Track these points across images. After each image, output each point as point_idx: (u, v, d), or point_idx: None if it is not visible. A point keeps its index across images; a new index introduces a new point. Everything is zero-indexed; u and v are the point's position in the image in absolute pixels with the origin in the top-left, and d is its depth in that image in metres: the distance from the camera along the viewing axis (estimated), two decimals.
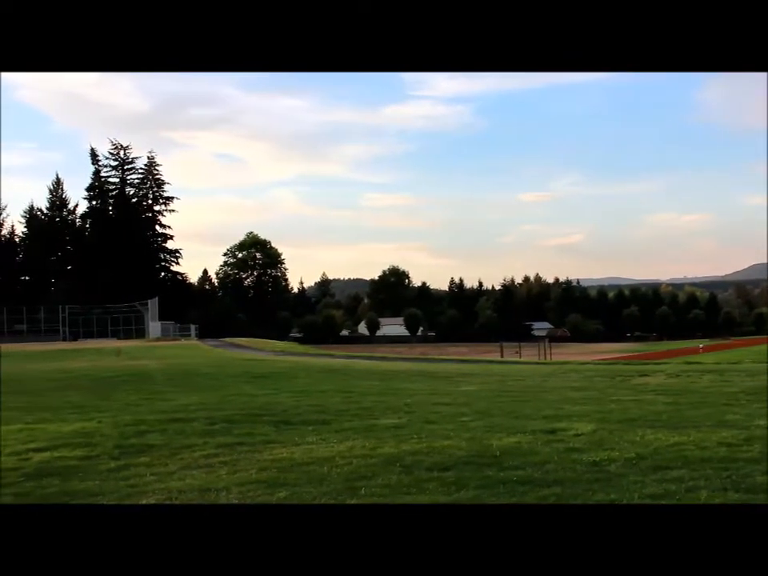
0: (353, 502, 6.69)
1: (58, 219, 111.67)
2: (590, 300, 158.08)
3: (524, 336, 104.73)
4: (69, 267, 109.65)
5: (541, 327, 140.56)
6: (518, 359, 45.64)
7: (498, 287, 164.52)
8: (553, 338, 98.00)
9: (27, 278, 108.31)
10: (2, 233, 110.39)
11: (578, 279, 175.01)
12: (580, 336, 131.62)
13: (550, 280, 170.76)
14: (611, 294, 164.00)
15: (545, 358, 54.27)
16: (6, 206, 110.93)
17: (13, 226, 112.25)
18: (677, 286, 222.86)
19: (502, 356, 56.99)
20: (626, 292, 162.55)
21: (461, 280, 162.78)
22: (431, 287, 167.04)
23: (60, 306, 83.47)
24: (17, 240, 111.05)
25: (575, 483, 7.17)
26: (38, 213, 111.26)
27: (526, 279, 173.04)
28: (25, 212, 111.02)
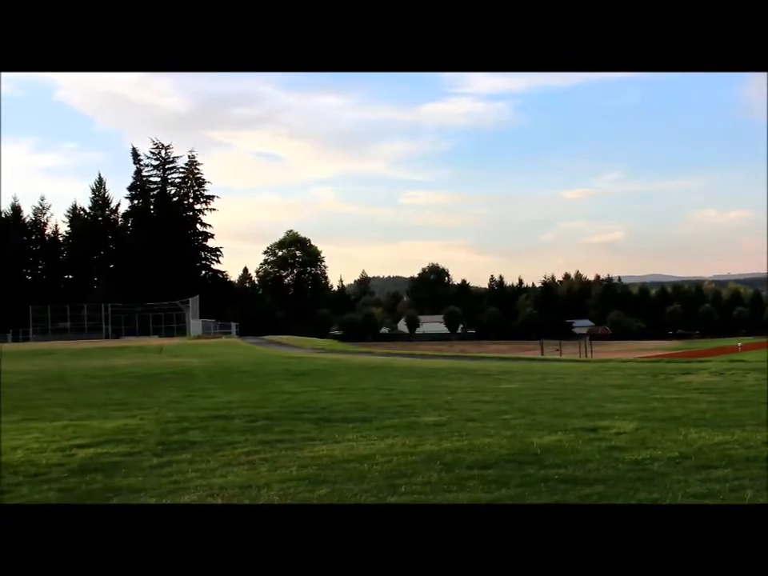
0: (393, 499, 6.68)
1: (100, 218, 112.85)
2: (631, 297, 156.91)
3: (565, 334, 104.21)
4: (111, 266, 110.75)
5: (582, 325, 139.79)
6: (558, 357, 45.35)
7: (538, 285, 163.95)
8: (594, 336, 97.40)
9: (70, 276, 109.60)
10: (46, 232, 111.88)
11: (619, 276, 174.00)
12: (622, 334, 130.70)
13: (591, 277, 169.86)
14: (653, 292, 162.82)
15: (586, 356, 53.88)
16: (50, 206, 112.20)
17: (56, 225, 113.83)
18: (720, 283, 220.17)
19: (542, 354, 56.67)
20: (669, 289, 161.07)
21: (501, 277, 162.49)
22: (471, 285, 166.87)
23: (102, 304, 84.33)
24: (60, 239, 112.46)
25: (617, 482, 7.11)
26: (81, 212, 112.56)
27: (567, 276, 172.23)
28: (68, 212, 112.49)
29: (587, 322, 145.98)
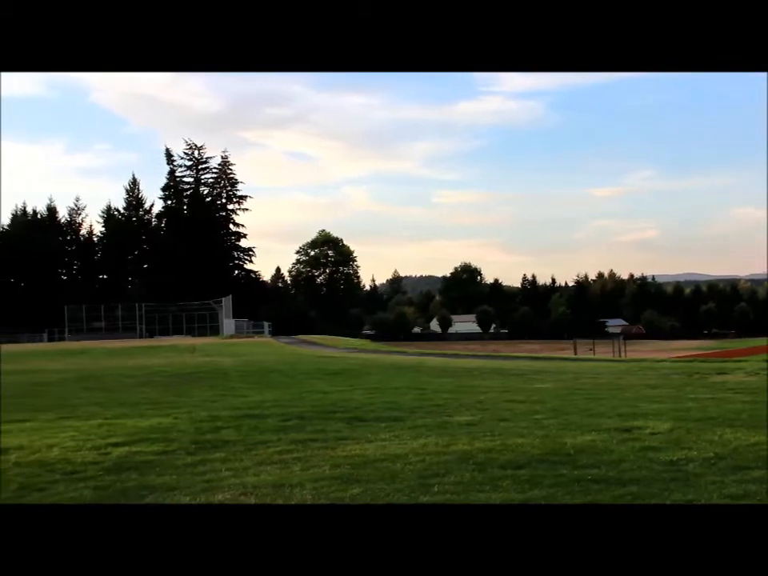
0: (425, 499, 6.67)
1: (134, 219, 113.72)
2: (665, 296, 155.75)
3: (598, 333, 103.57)
4: (145, 266, 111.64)
5: (615, 324, 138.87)
6: (591, 356, 45.11)
7: (571, 284, 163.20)
8: (627, 335, 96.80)
9: (105, 276, 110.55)
10: (81, 233, 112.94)
11: (653, 275, 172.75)
12: (655, 333, 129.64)
13: (625, 276, 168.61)
14: (688, 290, 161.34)
15: (619, 356, 53.55)
16: (84, 207, 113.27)
17: (91, 226, 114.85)
18: (756, 282, 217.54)
19: (575, 353, 56.42)
20: (704, 288, 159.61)
21: (533, 276, 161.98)
22: (503, 284, 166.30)
23: (136, 304, 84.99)
24: (95, 239, 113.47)
25: (651, 482, 7.06)
26: (115, 213, 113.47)
27: (600, 275, 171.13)
28: (102, 212, 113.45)
29: (621, 322, 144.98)
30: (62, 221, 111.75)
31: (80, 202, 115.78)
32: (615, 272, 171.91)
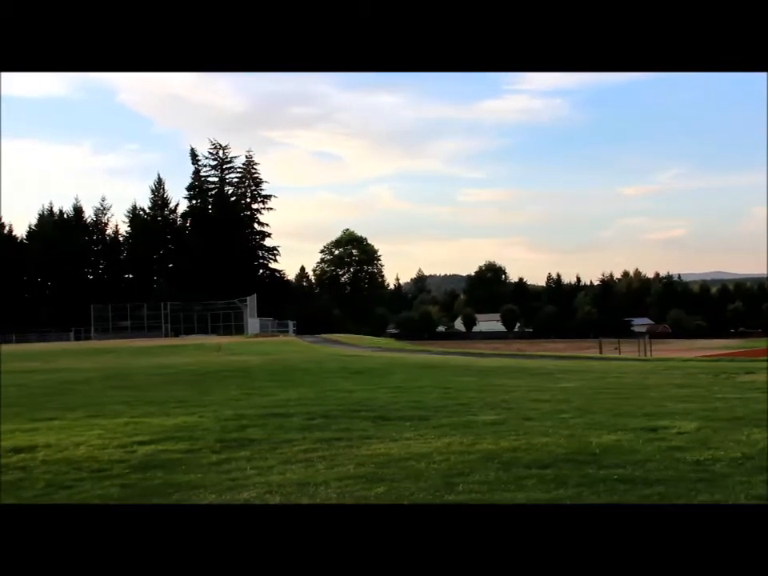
0: (450, 498, 6.67)
1: (159, 218, 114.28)
2: (692, 295, 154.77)
3: (623, 332, 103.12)
4: (170, 265, 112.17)
5: (641, 323, 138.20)
6: (617, 355, 44.87)
7: (596, 282, 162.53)
8: (653, 334, 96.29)
9: (131, 276, 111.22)
10: (107, 232, 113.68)
11: (679, 274, 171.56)
12: (682, 332, 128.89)
13: (651, 275, 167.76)
14: (714, 289, 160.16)
15: (645, 355, 53.26)
16: (110, 207, 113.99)
17: (117, 225, 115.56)
18: None
19: (600, 352, 56.16)
20: (731, 287, 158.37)
21: (558, 275, 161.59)
22: (528, 282, 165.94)
23: (162, 303, 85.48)
24: (121, 239, 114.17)
25: (678, 483, 7.02)
26: (141, 212, 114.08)
27: (626, 274, 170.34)
28: (128, 212, 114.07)
29: (646, 321, 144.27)
30: (89, 221, 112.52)
31: (106, 201, 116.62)
32: (641, 270, 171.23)
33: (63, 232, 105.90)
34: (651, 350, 60.69)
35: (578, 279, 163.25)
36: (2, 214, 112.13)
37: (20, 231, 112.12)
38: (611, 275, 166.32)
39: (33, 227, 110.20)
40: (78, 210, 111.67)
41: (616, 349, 62.07)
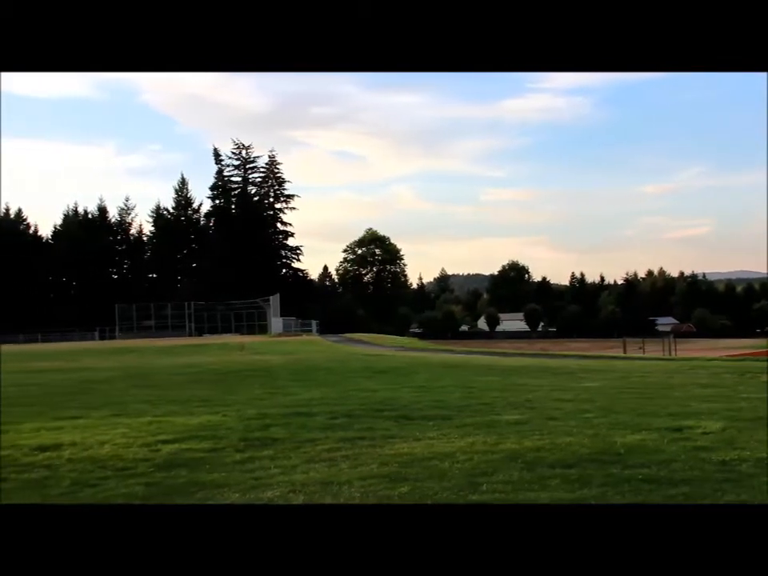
0: (474, 497, 6.66)
1: (183, 218, 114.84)
2: (717, 294, 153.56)
3: (647, 331, 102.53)
4: (194, 265, 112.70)
5: (665, 322, 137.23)
6: (641, 355, 44.64)
7: (620, 281, 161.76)
8: (678, 334, 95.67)
9: (155, 275, 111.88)
10: (131, 232, 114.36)
11: (704, 273, 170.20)
12: (706, 332, 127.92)
13: (675, 274, 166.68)
14: (739, 288, 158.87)
15: (669, 354, 52.95)
16: (134, 207, 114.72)
17: (141, 225, 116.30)
18: None
19: (624, 352, 55.90)
20: (756, 286, 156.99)
21: (582, 274, 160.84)
22: (552, 282, 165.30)
23: (186, 303, 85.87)
24: (145, 239, 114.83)
25: (703, 483, 6.97)
26: (164, 212, 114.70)
27: (650, 273, 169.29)
28: (152, 212, 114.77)
29: (671, 320, 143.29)
30: (113, 221, 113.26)
31: (130, 201, 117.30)
32: (665, 269, 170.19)
33: (88, 232, 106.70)
34: (676, 350, 60.34)
35: (602, 278, 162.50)
36: (28, 215, 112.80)
37: (45, 231, 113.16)
38: (635, 274, 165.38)
39: (58, 227, 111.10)
40: (102, 210, 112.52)
41: (640, 348, 61.70)
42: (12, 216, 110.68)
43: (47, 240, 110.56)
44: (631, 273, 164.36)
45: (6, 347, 59.05)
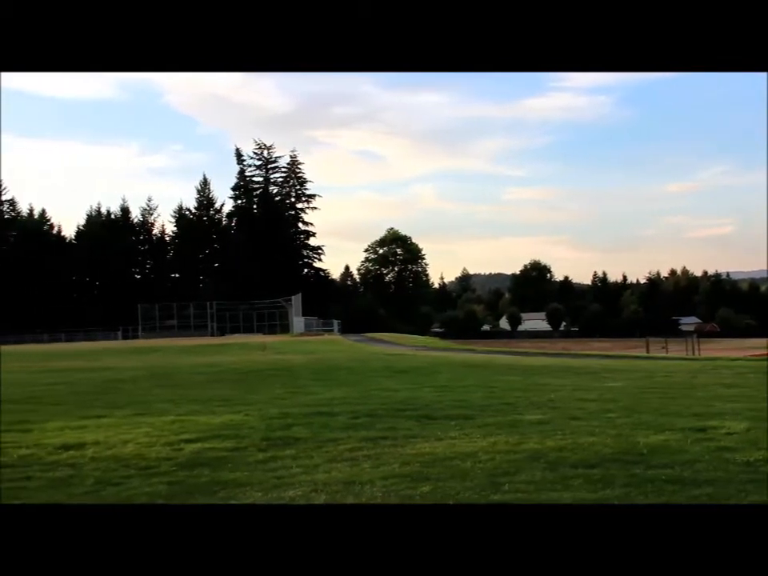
0: (496, 497, 6.64)
1: (205, 218, 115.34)
2: (741, 293, 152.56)
3: (671, 331, 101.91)
4: (216, 264, 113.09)
5: (689, 322, 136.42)
6: (664, 355, 44.39)
7: (643, 281, 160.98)
8: (701, 333, 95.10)
9: (177, 275, 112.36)
10: (154, 232, 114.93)
11: (727, 272, 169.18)
12: (730, 331, 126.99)
13: (698, 273, 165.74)
14: (764, 288, 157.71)
15: (693, 354, 52.63)
16: (156, 207, 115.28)
17: (163, 225, 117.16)
18: None
19: (647, 351, 55.59)
20: None
21: (604, 274, 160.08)
22: (574, 281, 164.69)
23: (208, 303, 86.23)
24: (167, 239, 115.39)
25: (728, 483, 6.92)
26: (187, 212, 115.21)
27: (673, 272, 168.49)
28: (174, 212, 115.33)
29: (694, 319, 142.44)
30: (135, 221, 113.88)
31: (152, 202, 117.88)
32: (688, 269, 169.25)
33: (111, 232, 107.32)
34: (699, 349, 59.96)
35: (625, 278, 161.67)
36: (51, 215, 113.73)
37: (69, 232, 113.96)
38: (658, 274, 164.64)
39: (81, 228, 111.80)
40: (125, 211, 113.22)
41: (663, 348, 61.37)
42: (36, 217, 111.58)
43: (71, 240, 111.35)
44: (654, 272, 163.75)
45: (31, 347, 59.56)
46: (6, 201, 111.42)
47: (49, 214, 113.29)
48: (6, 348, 55.57)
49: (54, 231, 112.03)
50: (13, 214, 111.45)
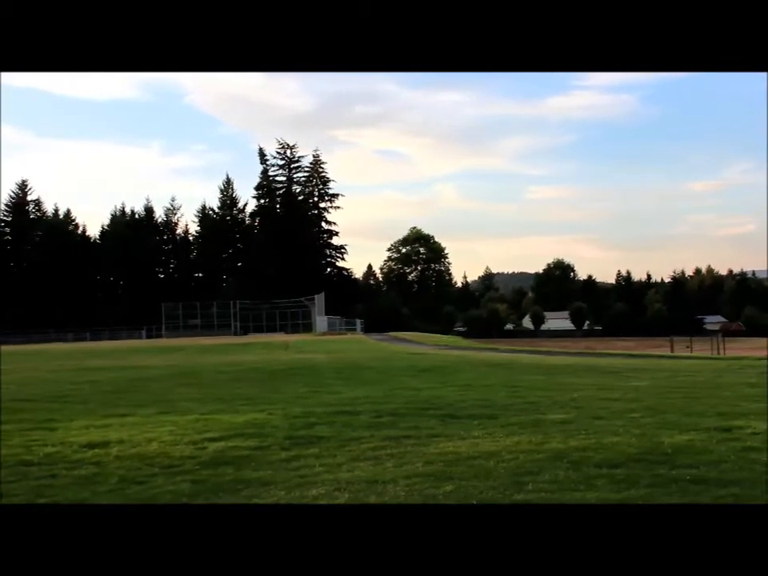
0: (519, 497, 6.62)
1: (228, 218, 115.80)
2: (766, 292, 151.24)
3: (695, 330, 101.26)
4: (239, 264, 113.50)
5: (713, 321, 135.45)
6: (689, 354, 44.13)
7: (667, 280, 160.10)
8: (726, 333, 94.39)
9: (201, 274, 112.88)
10: (177, 232, 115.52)
11: (753, 271, 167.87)
12: (756, 330, 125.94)
13: (723, 272, 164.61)
14: None
15: (718, 353, 52.26)
16: (180, 207, 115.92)
17: (187, 225, 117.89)
18: None
19: (672, 351, 55.29)
20: None
21: (628, 272, 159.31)
22: (597, 280, 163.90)
23: (231, 302, 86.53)
24: (191, 239, 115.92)
25: (754, 484, 6.87)
26: (210, 212, 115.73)
27: (697, 271, 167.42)
28: (198, 212, 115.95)
29: (719, 318, 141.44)
30: (159, 221, 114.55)
31: (176, 201, 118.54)
32: (713, 267, 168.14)
33: (135, 232, 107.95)
34: (724, 349, 59.52)
35: (649, 276, 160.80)
36: (76, 215, 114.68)
37: (93, 232, 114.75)
38: (682, 272, 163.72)
39: (105, 227, 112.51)
40: (148, 211, 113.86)
41: (688, 347, 60.96)
42: (61, 216, 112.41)
43: (95, 240, 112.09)
44: (678, 271, 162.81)
45: (56, 346, 60.02)
46: (31, 201, 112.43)
47: (73, 214, 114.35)
48: (31, 347, 56.08)
49: (79, 231, 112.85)
50: (38, 214, 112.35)
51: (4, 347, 55.32)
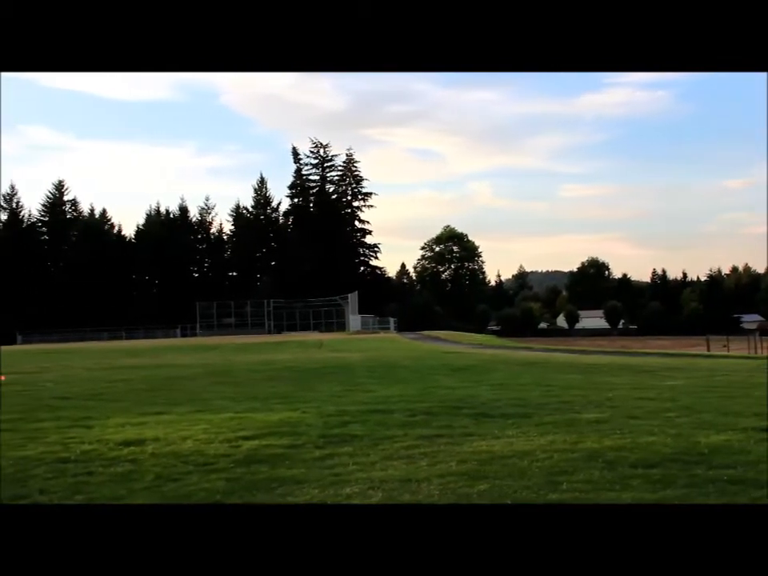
0: (554, 497, 6.58)
1: (262, 217, 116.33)
2: None
3: (732, 329, 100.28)
4: (273, 263, 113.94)
5: (751, 320, 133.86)
6: (726, 353, 43.69)
7: (703, 278, 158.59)
8: (764, 332, 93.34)
9: (235, 273, 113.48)
10: (211, 231, 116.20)
11: None
12: None
13: (761, 270, 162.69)
14: None
15: (755, 352, 51.70)
16: (214, 206, 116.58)
17: (221, 224, 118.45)
18: None
19: (708, 350, 54.75)
20: None
21: (663, 271, 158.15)
22: (632, 278, 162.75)
23: (265, 301, 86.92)
24: (225, 238, 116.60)
25: None
26: (244, 211, 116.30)
27: (734, 269, 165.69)
28: (232, 211, 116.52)
29: (757, 317, 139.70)
30: (194, 220, 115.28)
31: (210, 201, 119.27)
32: (750, 266, 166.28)
33: (169, 231, 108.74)
34: (762, 348, 58.86)
35: (684, 275, 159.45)
36: (112, 215, 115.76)
37: (129, 231, 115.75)
38: (719, 270, 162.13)
39: (141, 227, 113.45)
40: (183, 210, 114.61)
41: (724, 346, 60.36)
42: (97, 216, 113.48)
43: (130, 239, 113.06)
44: (714, 269, 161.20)
45: (93, 344, 60.60)
46: (68, 201, 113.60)
47: (109, 214, 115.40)
48: (68, 346, 56.67)
49: (115, 231, 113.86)
50: (74, 214, 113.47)
51: (42, 346, 56.00)
